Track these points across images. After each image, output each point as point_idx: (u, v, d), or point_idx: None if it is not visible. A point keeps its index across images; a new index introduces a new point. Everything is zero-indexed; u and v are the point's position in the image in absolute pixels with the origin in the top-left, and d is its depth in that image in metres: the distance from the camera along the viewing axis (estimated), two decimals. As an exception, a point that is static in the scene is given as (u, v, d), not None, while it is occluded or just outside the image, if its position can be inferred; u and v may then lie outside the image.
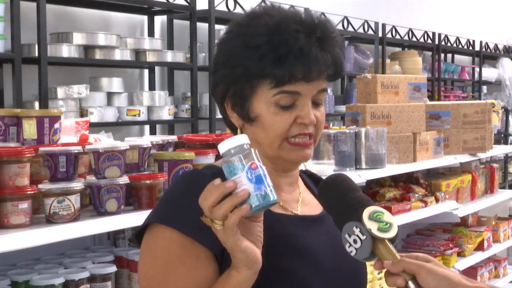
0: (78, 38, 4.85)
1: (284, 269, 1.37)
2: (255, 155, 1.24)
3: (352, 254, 1.28)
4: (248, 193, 1.21)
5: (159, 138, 2.87)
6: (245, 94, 1.41)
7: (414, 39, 8.81)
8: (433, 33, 9.17)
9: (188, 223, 1.31)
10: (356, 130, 3.86)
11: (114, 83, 5.22)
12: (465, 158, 4.76)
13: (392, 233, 1.28)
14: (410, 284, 1.27)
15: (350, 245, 1.27)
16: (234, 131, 1.50)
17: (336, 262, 1.45)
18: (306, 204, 1.53)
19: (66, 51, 4.73)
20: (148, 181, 2.42)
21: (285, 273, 1.37)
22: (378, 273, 3.70)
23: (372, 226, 1.27)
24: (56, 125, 2.51)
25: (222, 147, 1.26)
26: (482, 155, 4.97)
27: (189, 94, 5.82)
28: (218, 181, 1.22)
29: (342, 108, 6.92)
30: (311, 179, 1.66)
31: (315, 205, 1.54)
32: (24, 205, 2.14)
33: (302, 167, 1.62)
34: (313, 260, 1.41)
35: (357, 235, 1.27)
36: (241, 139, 1.25)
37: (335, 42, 1.43)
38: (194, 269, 1.32)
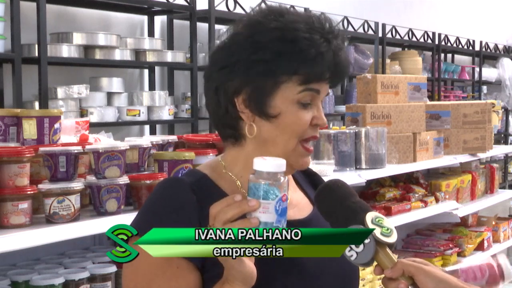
0: (78, 38, 4.84)
1: (270, 276, 1.34)
2: (287, 186, 1.22)
3: (353, 258, 1.25)
4: (260, 222, 1.19)
5: (159, 138, 2.87)
6: (267, 90, 1.36)
7: (414, 39, 8.81)
8: (433, 33, 9.16)
9: None
10: (356, 130, 3.86)
11: (114, 83, 5.21)
12: (465, 158, 4.76)
13: (393, 238, 1.27)
14: None
15: (351, 249, 1.24)
16: (233, 130, 1.43)
17: (325, 267, 1.43)
18: (295, 205, 1.49)
19: (66, 51, 4.73)
20: (148, 181, 2.42)
21: (271, 280, 1.35)
22: (378, 273, 3.70)
23: (376, 230, 1.26)
24: (56, 125, 2.51)
25: (262, 165, 1.21)
26: (482, 155, 4.97)
27: (189, 94, 5.82)
28: (240, 197, 1.19)
29: (342, 108, 6.91)
30: (303, 174, 1.62)
31: (303, 205, 1.52)
32: (24, 205, 2.14)
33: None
34: (299, 266, 1.39)
35: None
36: (282, 165, 1.22)
37: (345, 50, 1.45)
38: (175, 278, 1.32)
